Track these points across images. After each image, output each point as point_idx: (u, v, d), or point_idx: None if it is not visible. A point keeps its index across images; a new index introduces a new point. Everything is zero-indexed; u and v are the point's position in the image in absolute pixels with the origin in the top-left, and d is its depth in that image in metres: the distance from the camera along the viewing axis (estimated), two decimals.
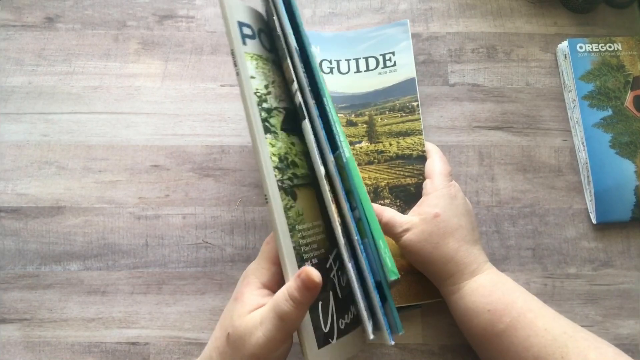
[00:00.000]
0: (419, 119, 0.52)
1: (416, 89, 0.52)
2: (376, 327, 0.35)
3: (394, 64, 0.54)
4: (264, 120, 0.37)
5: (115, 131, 0.54)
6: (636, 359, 0.48)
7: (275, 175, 0.36)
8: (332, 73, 0.54)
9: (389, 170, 0.50)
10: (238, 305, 0.36)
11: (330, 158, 0.36)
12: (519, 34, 0.58)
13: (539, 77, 0.56)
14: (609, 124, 0.52)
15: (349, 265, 0.35)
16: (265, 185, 0.35)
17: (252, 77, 0.37)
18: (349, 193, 0.36)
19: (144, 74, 0.56)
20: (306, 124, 0.36)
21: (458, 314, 0.43)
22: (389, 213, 0.45)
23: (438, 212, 0.43)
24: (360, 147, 0.52)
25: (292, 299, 0.33)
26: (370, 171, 0.51)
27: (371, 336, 0.34)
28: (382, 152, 0.51)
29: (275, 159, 0.36)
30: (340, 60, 0.54)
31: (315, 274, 0.33)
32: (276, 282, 0.38)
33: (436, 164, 0.47)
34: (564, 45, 0.55)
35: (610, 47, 0.54)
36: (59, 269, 0.50)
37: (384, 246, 0.35)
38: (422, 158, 0.50)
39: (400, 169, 0.50)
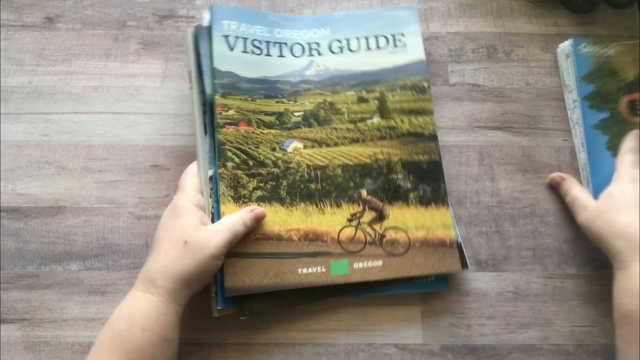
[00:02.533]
0: (430, 100, 0.53)
1: (426, 71, 0.53)
2: None
3: (404, 45, 0.54)
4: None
5: (115, 131, 0.54)
6: None
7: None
8: (342, 52, 0.55)
9: (401, 146, 0.51)
10: (187, 220, 0.44)
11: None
12: (519, 34, 0.58)
13: (539, 77, 0.56)
14: (607, 125, 0.52)
15: None
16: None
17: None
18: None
19: (144, 74, 0.56)
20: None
21: None
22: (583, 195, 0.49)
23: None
24: (372, 123, 0.52)
25: (245, 224, 0.46)
26: (383, 146, 0.52)
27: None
28: (393, 128, 0.52)
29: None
30: (350, 38, 0.55)
31: (263, 211, 0.47)
32: (198, 189, 0.48)
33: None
34: (566, 44, 0.55)
35: (605, 51, 0.54)
36: (59, 269, 0.50)
37: None
38: (434, 137, 0.52)
39: (412, 145, 0.51)
